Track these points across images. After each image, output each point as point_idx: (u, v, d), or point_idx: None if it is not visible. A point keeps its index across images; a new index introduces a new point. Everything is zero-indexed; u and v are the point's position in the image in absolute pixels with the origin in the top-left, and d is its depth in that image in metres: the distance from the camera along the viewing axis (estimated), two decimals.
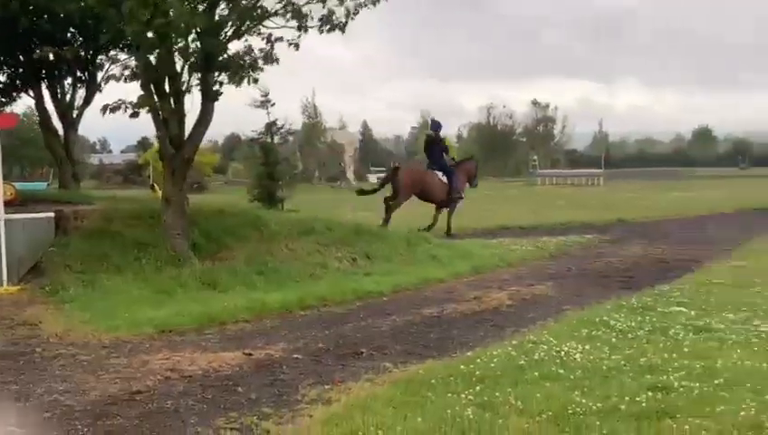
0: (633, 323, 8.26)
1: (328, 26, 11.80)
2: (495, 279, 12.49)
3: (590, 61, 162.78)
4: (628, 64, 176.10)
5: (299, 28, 11.60)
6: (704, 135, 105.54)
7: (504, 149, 78.77)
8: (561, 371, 6.42)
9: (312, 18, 11.66)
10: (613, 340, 7.56)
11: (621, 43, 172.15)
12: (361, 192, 20.48)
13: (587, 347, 7.22)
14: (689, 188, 42.43)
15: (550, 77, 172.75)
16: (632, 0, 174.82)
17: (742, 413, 5.26)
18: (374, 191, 19.94)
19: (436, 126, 20.45)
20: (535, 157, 70.18)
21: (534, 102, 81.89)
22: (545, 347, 7.23)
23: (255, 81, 11.73)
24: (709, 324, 8.17)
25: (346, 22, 11.90)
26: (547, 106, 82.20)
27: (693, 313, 8.83)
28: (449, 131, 78.59)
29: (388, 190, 19.16)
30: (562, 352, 7.01)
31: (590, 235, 18.80)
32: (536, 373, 6.32)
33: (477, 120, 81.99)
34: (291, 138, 35.85)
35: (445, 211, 19.27)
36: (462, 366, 6.58)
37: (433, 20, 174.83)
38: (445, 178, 19.06)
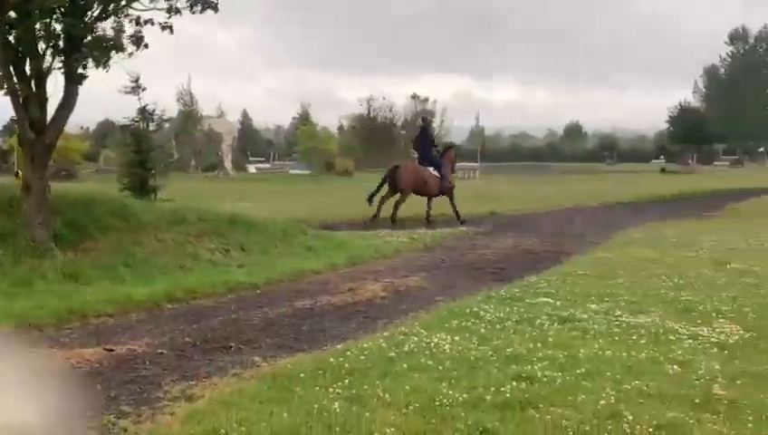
0: (502, 314, 8.42)
1: (199, 6, 11.43)
2: (370, 271, 12.50)
3: (468, 57, 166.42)
4: (505, 62, 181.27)
5: (169, 10, 11.20)
6: (574, 131, 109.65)
7: (384, 141, 79.21)
8: (430, 362, 6.46)
9: None
10: (482, 331, 7.68)
11: (498, 40, 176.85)
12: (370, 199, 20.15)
13: (456, 338, 7.30)
14: (559, 181, 43.95)
15: (429, 72, 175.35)
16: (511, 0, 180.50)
17: (602, 402, 5.43)
18: (378, 190, 20.17)
19: (427, 122, 24.36)
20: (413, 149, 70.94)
21: (414, 96, 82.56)
22: (416, 339, 7.27)
23: (106, 61, 11.14)
24: (573, 315, 8.42)
25: (217, 0, 11.55)
26: (426, 100, 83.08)
27: (558, 303, 9.10)
28: (330, 122, 78.51)
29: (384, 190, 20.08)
30: (432, 344, 7.06)
31: (465, 227, 19.16)
32: (405, 365, 6.34)
33: (357, 111, 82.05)
34: (166, 124, 34.85)
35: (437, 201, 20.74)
36: (332, 359, 6.53)
37: (313, 7, 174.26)
38: (436, 172, 20.57)
